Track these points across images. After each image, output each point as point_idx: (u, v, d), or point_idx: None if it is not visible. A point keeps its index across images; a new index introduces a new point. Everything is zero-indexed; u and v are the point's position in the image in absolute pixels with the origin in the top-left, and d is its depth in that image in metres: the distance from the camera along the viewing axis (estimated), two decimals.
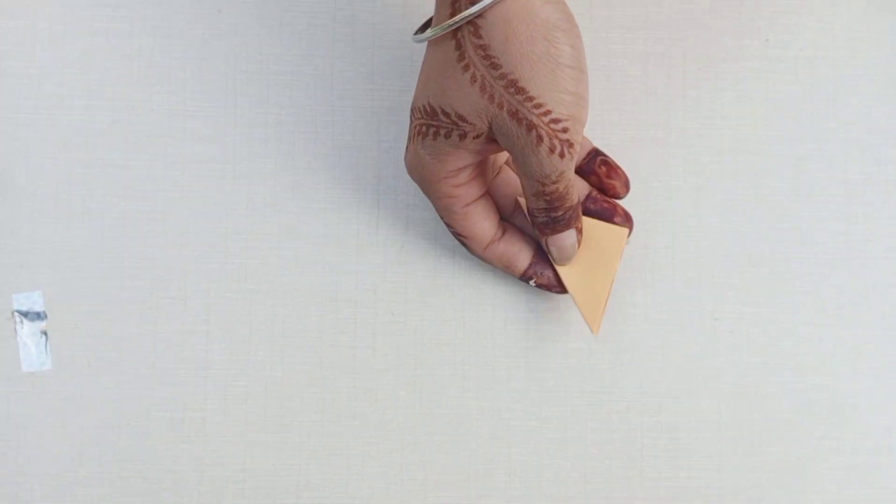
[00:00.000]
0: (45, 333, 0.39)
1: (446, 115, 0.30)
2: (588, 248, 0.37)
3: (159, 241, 0.40)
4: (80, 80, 0.40)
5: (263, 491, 0.39)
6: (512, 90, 0.29)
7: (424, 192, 0.36)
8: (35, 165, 0.40)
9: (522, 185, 0.33)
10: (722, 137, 0.40)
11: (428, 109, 0.31)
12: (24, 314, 0.39)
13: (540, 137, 0.30)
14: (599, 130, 0.40)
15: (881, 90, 0.40)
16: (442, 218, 0.37)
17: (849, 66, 0.41)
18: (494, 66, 0.29)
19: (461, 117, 0.30)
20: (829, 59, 0.41)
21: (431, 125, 0.31)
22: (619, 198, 0.39)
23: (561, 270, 0.37)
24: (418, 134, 0.32)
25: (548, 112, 0.30)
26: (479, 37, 0.29)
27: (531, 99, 0.30)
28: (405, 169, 0.37)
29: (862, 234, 0.40)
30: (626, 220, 0.38)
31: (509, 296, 0.40)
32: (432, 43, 0.31)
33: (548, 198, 0.33)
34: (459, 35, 0.29)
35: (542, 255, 0.38)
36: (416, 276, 0.40)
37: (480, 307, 0.40)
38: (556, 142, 0.30)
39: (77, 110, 0.40)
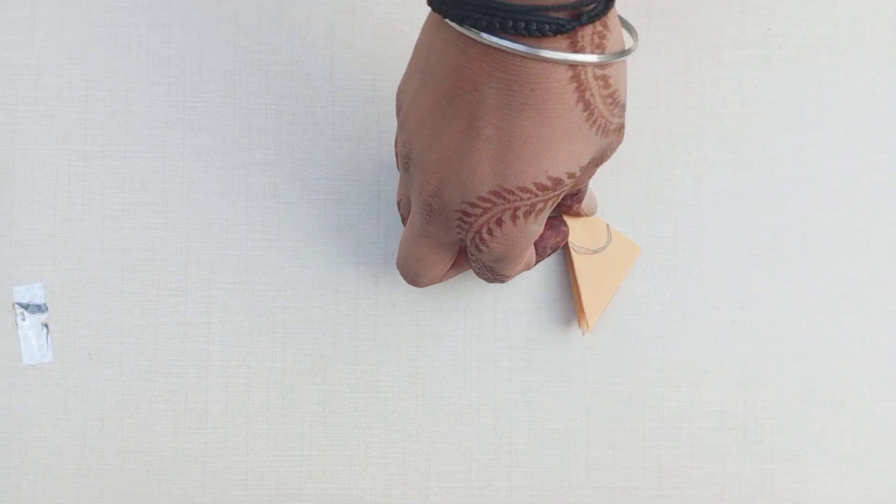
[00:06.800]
0: (46, 326, 0.39)
1: (571, 175, 0.25)
2: (605, 255, 0.38)
3: (159, 233, 0.39)
4: (79, 71, 0.40)
5: (266, 482, 0.39)
6: (612, 103, 0.25)
7: (505, 265, 0.30)
8: (34, 157, 0.39)
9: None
10: (723, 126, 0.40)
11: (549, 183, 0.25)
12: (25, 306, 0.39)
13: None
14: None
15: (883, 78, 0.40)
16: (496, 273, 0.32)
17: (850, 53, 0.40)
18: (613, 98, 0.24)
19: (581, 168, 0.26)
20: (830, 47, 0.40)
21: (553, 196, 0.26)
22: (580, 215, 0.38)
23: (577, 262, 0.38)
24: (530, 213, 0.26)
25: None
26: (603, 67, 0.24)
27: (618, 101, 0.26)
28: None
29: (864, 221, 0.40)
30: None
31: (510, 286, 0.39)
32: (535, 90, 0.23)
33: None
34: (583, 74, 0.23)
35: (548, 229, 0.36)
36: None
37: (482, 297, 0.39)
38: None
39: (76, 101, 0.40)
